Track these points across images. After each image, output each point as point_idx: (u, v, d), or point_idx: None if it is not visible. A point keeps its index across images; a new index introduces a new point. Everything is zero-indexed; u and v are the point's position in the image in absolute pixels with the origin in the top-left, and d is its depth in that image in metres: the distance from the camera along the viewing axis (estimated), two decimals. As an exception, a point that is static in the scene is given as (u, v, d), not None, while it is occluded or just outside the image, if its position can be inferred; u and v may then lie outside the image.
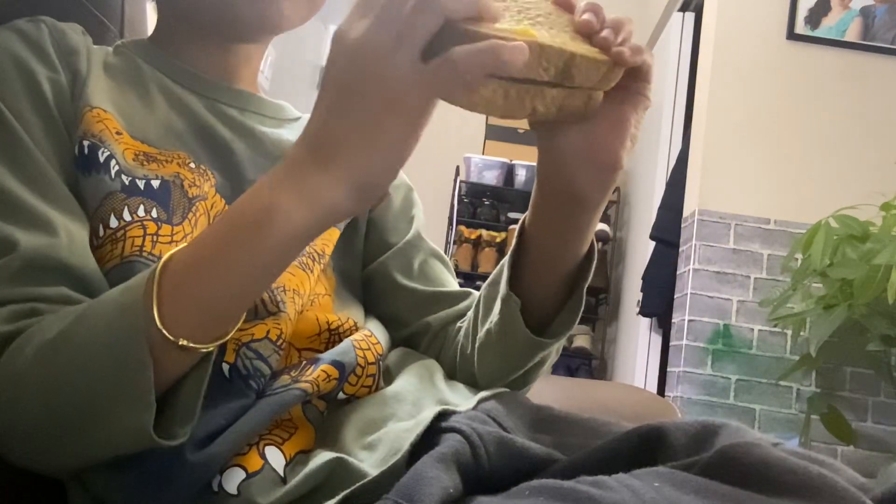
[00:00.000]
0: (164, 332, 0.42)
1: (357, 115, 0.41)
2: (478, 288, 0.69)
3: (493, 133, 3.87)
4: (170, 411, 0.44)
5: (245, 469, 0.47)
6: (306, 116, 0.73)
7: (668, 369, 2.67)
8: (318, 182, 0.41)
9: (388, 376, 0.61)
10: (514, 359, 0.60)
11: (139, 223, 0.53)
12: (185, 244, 0.45)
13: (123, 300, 0.44)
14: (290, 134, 0.68)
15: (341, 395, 0.56)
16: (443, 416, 0.48)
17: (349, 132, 0.41)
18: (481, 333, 0.61)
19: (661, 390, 2.84)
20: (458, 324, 0.68)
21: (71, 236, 0.50)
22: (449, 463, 0.41)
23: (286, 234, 0.42)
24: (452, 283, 0.73)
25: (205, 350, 0.44)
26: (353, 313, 0.63)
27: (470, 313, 0.65)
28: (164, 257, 0.44)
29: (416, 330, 0.70)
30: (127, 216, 0.53)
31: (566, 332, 0.59)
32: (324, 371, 0.53)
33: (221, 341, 0.45)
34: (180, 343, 0.42)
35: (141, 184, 0.55)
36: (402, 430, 0.48)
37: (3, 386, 0.45)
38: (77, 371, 0.43)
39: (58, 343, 0.44)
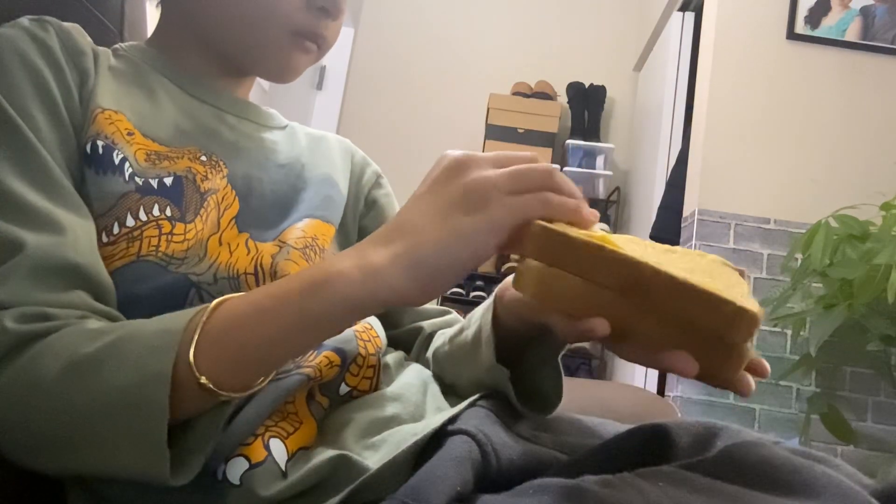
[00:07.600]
0: (193, 367, 0.42)
1: (434, 205, 0.43)
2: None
3: (493, 133, 3.86)
4: (179, 447, 0.44)
5: (248, 460, 0.47)
6: (294, 125, 0.75)
7: (668, 369, 2.67)
8: (377, 255, 0.43)
9: (389, 374, 0.61)
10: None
11: (154, 223, 0.54)
12: (243, 294, 0.46)
13: (157, 343, 0.44)
14: (283, 140, 0.70)
15: (344, 388, 0.56)
16: (449, 418, 0.48)
17: (419, 217, 0.43)
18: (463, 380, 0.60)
19: (661, 390, 2.83)
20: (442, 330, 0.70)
21: (77, 235, 0.50)
22: (463, 462, 0.41)
23: (336, 296, 0.43)
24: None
25: (223, 397, 0.44)
26: None
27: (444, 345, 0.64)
28: (219, 299, 0.45)
29: (408, 330, 0.72)
30: (143, 216, 0.54)
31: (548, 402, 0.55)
32: (326, 357, 0.54)
33: (240, 394, 0.45)
34: (201, 381, 0.43)
35: (154, 182, 0.56)
36: (409, 433, 0.48)
37: (23, 391, 0.44)
38: (99, 404, 0.43)
39: (85, 369, 0.44)
